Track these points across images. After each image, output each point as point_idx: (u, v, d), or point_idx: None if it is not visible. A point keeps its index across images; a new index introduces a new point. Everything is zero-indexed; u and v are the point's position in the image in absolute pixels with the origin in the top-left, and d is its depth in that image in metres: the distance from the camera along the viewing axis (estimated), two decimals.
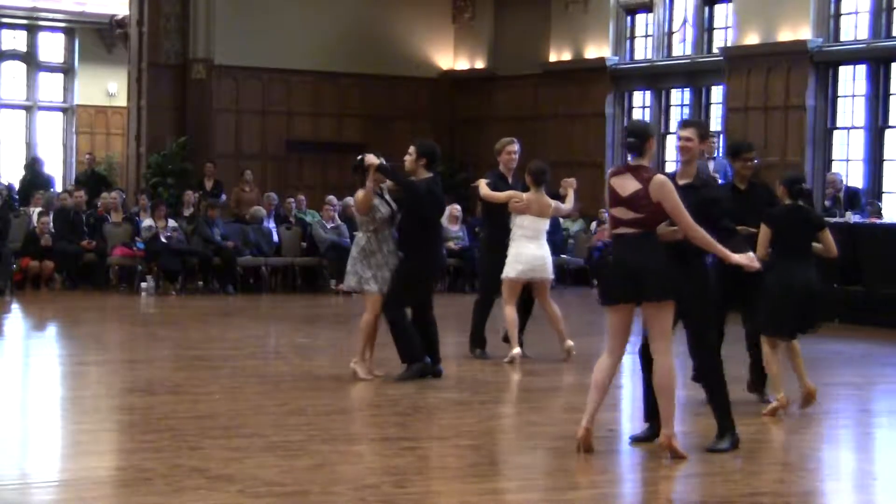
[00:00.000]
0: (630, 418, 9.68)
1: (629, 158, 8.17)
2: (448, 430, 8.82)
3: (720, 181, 18.59)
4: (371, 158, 10.87)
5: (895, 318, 16.19)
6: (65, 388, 11.00)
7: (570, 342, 12.39)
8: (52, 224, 19.73)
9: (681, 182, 8.27)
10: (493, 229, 12.62)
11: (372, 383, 10.77)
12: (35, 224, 19.95)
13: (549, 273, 12.39)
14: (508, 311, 12.26)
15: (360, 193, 10.85)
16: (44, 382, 11.24)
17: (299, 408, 9.56)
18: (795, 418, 9.59)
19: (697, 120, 10.13)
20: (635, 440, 8.52)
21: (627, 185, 8.01)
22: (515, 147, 12.59)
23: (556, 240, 19.16)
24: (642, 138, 8.06)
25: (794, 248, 9.56)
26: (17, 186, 26.32)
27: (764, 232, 9.55)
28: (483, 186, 12.36)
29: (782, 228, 9.55)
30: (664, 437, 7.98)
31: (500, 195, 12.25)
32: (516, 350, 12.17)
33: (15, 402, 10.24)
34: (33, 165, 26.28)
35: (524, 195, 12.15)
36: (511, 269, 12.21)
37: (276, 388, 10.62)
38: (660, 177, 7.94)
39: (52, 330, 15.82)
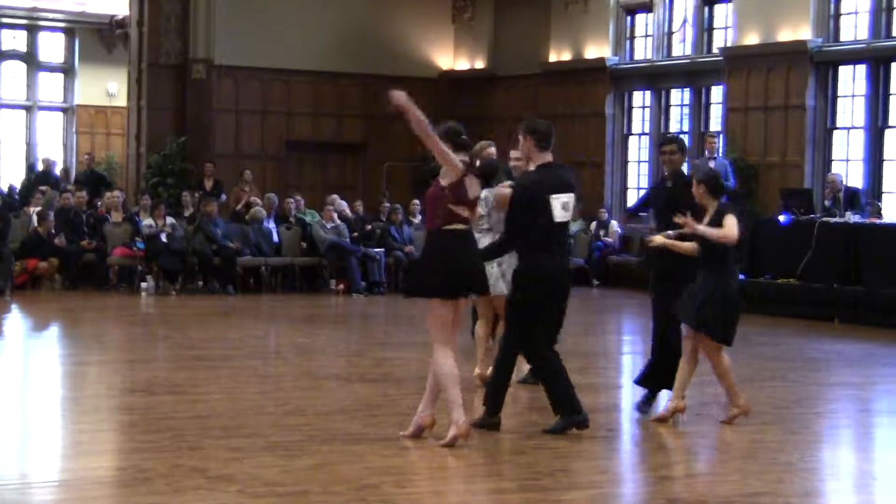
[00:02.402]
0: (629, 418, 9.68)
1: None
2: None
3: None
4: None
5: (895, 318, 16.20)
6: (65, 388, 11.00)
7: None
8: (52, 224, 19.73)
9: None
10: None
11: (372, 384, 10.78)
12: (35, 224, 19.95)
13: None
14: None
15: (503, 189, 10.70)
16: (44, 382, 11.24)
17: (299, 408, 9.56)
18: (795, 419, 9.59)
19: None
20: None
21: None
22: (493, 150, 12.45)
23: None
24: None
25: (709, 252, 9.13)
26: (16, 187, 26.38)
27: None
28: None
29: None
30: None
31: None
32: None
33: (15, 403, 10.24)
34: (46, 169, 26.32)
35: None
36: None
37: (276, 387, 10.63)
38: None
39: (52, 330, 15.81)
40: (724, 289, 9.02)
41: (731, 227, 9.00)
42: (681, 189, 9.56)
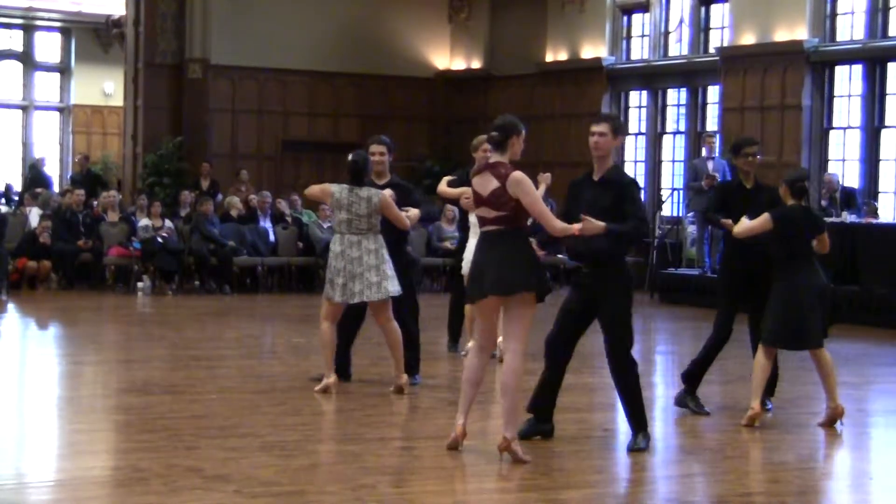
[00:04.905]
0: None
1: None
2: (443, 430, 8.80)
3: (719, 180, 18.71)
4: None
5: (891, 318, 16.22)
6: (61, 387, 10.99)
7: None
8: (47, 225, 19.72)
9: (596, 178, 8.29)
10: (467, 229, 12.54)
11: (368, 384, 10.78)
12: (35, 225, 19.92)
13: None
14: (468, 308, 12.14)
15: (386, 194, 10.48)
16: (40, 382, 11.24)
17: (295, 408, 9.56)
18: (790, 419, 9.60)
19: (611, 114, 9.72)
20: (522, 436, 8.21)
21: (487, 184, 7.91)
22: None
23: (540, 238, 18.91)
24: (505, 134, 7.99)
25: (799, 250, 9.29)
26: (14, 186, 26.41)
27: (763, 221, 9.20)
28: (441, 183, 12.03)
29: (789, 230, 9.22)
30: (504, 440, 7.71)
31: (453, 191, 11.88)
32: (470, 344, 12.17)
33: (11, 402, 10.24)
34: (37, 166, 26.35)
35: None
36: (467, 266, 12.08)
37: (272, 387, 10.62)
38: (517, 173, 7.84)
39: (48, 330, 15.80)
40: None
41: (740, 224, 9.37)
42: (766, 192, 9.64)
